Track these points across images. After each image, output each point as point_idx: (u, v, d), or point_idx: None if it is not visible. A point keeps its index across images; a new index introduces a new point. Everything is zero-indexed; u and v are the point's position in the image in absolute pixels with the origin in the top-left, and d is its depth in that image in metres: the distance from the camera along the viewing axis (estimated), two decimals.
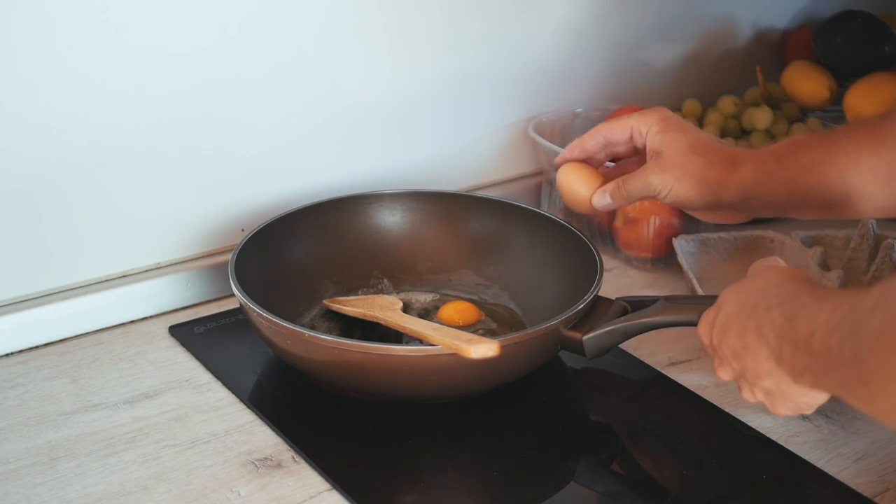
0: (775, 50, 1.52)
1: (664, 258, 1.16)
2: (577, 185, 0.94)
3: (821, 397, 0.75)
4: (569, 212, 1.23)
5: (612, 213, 1.19)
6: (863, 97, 1.28)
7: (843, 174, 0.84)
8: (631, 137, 0.93)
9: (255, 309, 0.88)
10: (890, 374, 0.55)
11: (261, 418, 0.89)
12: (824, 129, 0.88)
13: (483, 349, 0.81)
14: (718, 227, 1.17)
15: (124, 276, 1.05)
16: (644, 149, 0.92)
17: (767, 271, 0.77)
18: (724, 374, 0.78)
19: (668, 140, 0.90)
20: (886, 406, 0.57)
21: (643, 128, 0.92)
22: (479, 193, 1.18)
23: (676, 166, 0.89)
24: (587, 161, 0.96)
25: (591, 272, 0.95)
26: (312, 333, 0.86)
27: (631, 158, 0.96)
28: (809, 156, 0.85)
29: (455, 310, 1.03)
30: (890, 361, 0.54)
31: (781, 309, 0.69)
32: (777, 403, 0.76)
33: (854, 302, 0.60)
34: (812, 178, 0.85)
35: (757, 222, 1.22)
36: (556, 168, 0.97)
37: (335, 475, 0.83)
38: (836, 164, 0.84)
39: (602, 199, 0.93)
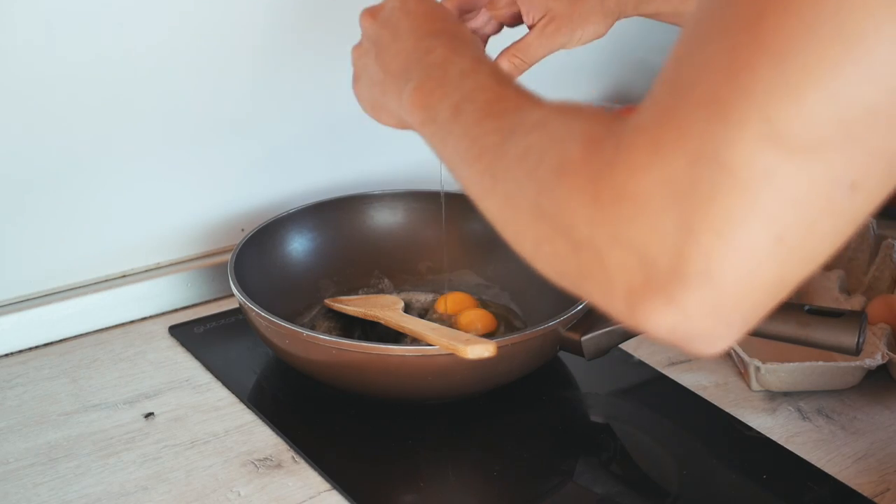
0: None
1: None
2: None
3: (398, 119, 0.72)
4: None
5: None
6: None
7: None
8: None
9: (254, 309, 0.88)
10: (534, 188, 0.52)
11: (261, 418, 0.89)
12: None
13: (479, 350, 0.81)
14: None
15: (124, 276, 1.05)
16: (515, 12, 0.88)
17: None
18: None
19: None
20: (497, 207, 0.56)
21: None
22: None
23: (574, 8, 0.86)
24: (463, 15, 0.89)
25: None
26: (311, 333, 0.86)
27: None
28: None
29: (476, 316, 1.02)
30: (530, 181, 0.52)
31: (458, 55, 0.67)
32: (365, 64, 0.74)
33: (524, 103, 0.58)
34: None
35: None
36: None
37: (335, 475, 0.82)
38: None
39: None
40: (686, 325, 0.46)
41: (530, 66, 0.86)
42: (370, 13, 0.76)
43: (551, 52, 0.87)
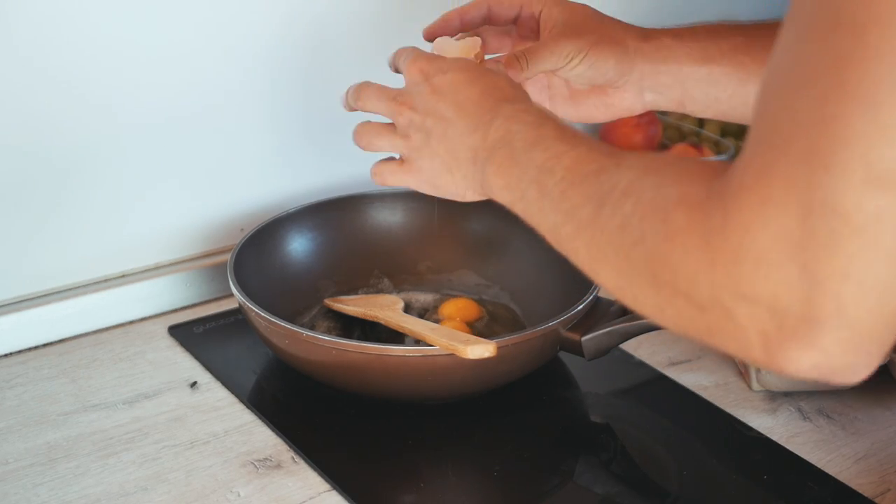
0: None
1: None
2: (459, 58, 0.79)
3: (472, 195, 0.74)
4: None
5: None
6: None
7: (759, 70, 0.80)
8: (518, 17, 0.84)
9: (253, 309, 0.88)
10: (631, 260, 0.54)
11: (260, 418, 0.89)
12: (749, 22, 0.83)
13: (479, 350, 0.81)
14: None
15: (124, 276, 1.05)
16: (529, 33, 0.85)
17: (491, 75, 0.73)
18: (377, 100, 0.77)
19: (571, 9, 0.82)
20: (609, 278, 0.57)
21: (535, 6, 0.83)
22: None
23: (591, 30, 0.81)
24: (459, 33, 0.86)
25: None
26: (310, 333, 0.86)
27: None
28: (729, 42, 0.81)
29: (456, 307, 1.03)
30: (635, 250, 0.54)
31: (519, 123, 0.67)
32: (422, 155, 0.74)
33: (603, 164, 0.59)
34: (729, 64, 0.81)
35: None
36: (426, 39, 0.85)
37: (335, 475, 0.82)
38: (754, 56, 0.80)
39: None
40: (827, 363, 0.48)
41: (531, 75, 0.81)
42: (420, 71, 0.75)
43: (556, 65, 0.81)
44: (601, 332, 0.89)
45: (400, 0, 1.13)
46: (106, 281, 1.04)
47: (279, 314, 0.87)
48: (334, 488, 0.81)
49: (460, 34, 0.85)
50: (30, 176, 0.96)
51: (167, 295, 1.06)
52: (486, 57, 0.84)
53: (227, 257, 0.96)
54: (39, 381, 0.94)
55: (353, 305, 1.00)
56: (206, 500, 0.80)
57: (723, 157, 1.18)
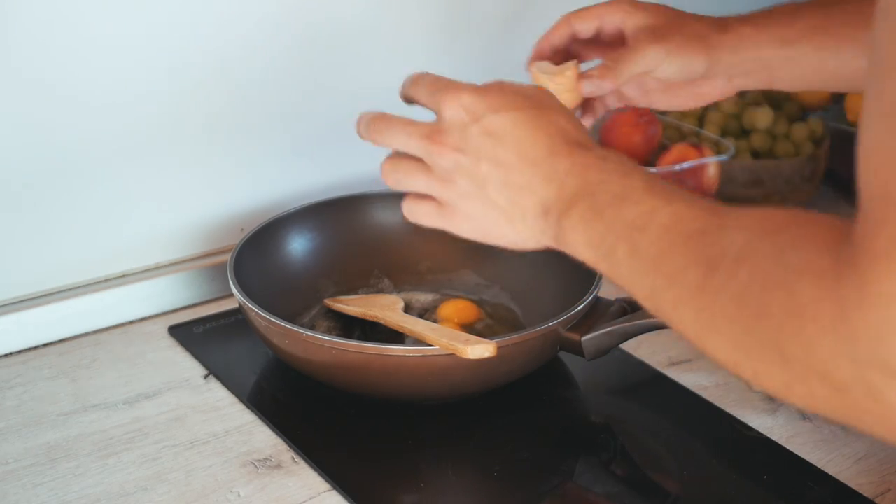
0: None
1: None
2: (558, 79, 0.82)
3: (535, 245, 0.68)
4: None
5: None
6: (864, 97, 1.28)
7: (838, 45, 0.81)
8: (599, 29, 0.85)
9: (253, 308, 0.88)
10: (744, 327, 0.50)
11: (260, 419, 0.89)
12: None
13: (480, 350, 0.80)
14: None
15: (124, 276, 1.05)
16: (615, 39, 0.85)
17: (551, 113, 0.68)
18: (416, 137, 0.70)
19: (650, 13, 0.83)
20: (723, 351, 0.53)
21: (616, 15, 0.84)
22: None
23: (675, 31, 0.82)
24: (554, 58, 0.87)
25: (592, 273, 0.95)
26: (310, 333, 0.86)
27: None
28: (807, 21, 0.82)
29: (454, 308, 1.03)
30: (749, 317, 0.50)
31: (600, 173, 0.62)
32: (472, 202, 0.68)
33: (707, 223, 0.55)
34: (808, 43, 0.82)
35: None
36: (529, 70, 0.86)
37: (335, 475, 0.82)
38: (833, 33, 0.81)
39: (590, 84, 0.81)
40: None
41: (623, 82, 0.82)
42: (466, 109, 0.68)
43: (646, 69, 0.82)
44: (601, 332, 0.89)
45: (400, 0, 1.14)
46: (106, 281, 1.04)
47: (279, 314, 0.87)
48: (334, 488, 0.81)
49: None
50: (30, 176, 0.96)
51: (167, 295, 1.06)
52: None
53: (227, 257, 0.96)
54: (39, 381, 0.94)
55: (354, 305, 1.00)
56: (206, 500, 0.80)
57: (723, 157, 1.18)
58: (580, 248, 0.63)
